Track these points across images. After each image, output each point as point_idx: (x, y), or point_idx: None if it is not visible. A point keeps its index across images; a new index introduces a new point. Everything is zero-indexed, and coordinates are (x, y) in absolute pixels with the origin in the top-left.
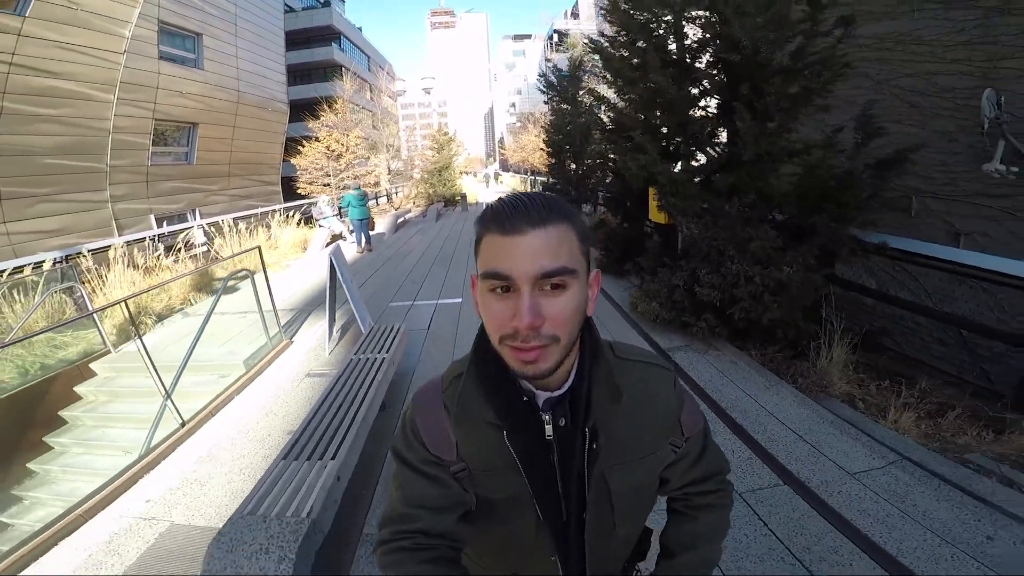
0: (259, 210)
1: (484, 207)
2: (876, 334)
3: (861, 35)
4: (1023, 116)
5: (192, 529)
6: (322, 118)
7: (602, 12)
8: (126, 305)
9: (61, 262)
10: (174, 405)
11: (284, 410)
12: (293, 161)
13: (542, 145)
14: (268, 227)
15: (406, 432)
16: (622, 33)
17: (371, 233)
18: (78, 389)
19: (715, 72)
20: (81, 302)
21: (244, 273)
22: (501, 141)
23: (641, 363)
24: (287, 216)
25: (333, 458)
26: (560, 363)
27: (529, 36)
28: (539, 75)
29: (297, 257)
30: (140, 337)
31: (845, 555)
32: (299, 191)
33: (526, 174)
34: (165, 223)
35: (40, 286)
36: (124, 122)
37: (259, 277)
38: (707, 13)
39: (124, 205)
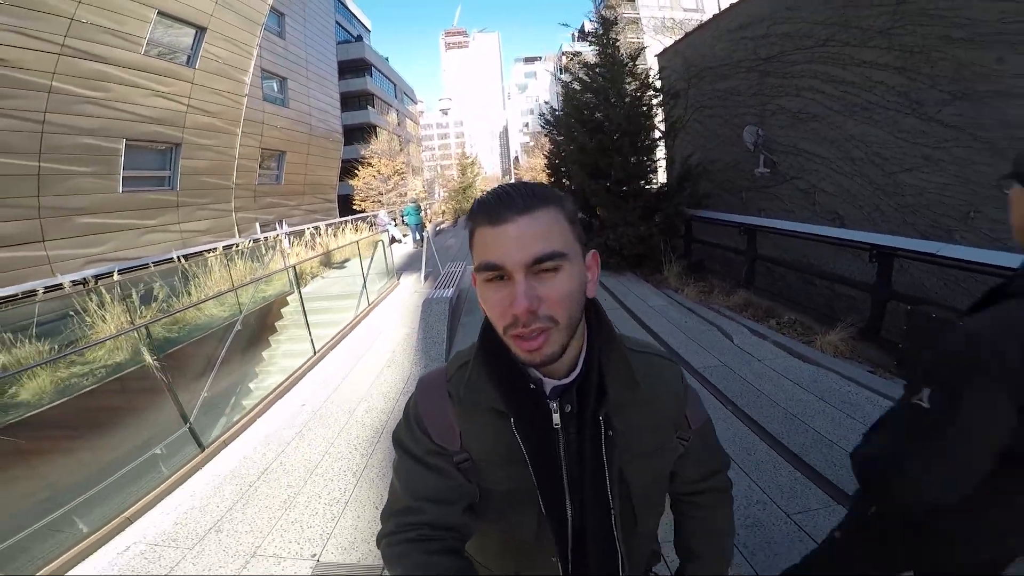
0: (335, 220)
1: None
2: (700, 261)
3: (716, 88)
4: (775, 139)
5: (396, 336)
6: (372, 146)
7: (560, 95)
8: (357, 246)
9: (255, 242)
10: (367, 291)
11: (410, 300)
12: (351, 183)
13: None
14: (345, 232)
15: (410, 421)
16: (566, 109)
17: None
18: (283, 311)
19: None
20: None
21: (379, 244)
22: (516, 160)
23: (650, 355)
24: (356, 225)
25: (452, 288)
26: (564, 347)
27: (539, 58)
28: (540, 114)
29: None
30: (367, 258)
31: (630, 329)
32: (355, 207)
33: None
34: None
35: (246, 254)
36: (244, 150)
37: (351, 263)
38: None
39: (241, 215)
